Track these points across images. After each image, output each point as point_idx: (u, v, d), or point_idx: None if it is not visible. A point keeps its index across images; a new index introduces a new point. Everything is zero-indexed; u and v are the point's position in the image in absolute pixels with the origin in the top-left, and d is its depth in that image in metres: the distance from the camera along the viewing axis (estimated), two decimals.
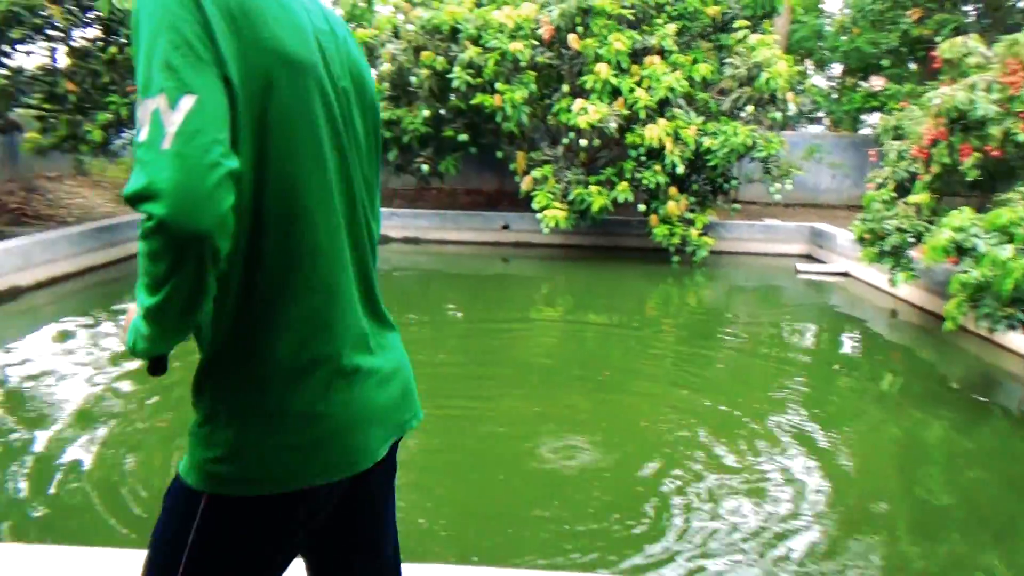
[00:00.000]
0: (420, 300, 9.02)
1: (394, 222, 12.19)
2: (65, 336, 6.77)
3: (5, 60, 8.10)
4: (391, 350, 1.28)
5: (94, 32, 8.51)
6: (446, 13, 10.33)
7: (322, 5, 1.18)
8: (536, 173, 10.18)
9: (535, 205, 9.99)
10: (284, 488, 1.10)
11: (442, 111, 11.07)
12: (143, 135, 0.90)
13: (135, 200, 0.90)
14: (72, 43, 8.45)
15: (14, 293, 7.74)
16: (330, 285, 1.12)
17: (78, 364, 5.88)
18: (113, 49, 8.69)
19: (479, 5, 10.75)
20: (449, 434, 4.68)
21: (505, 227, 12.10)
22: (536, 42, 10.15)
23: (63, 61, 8.28)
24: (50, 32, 7.76)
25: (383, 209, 12.03)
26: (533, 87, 10.05)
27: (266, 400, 1.09)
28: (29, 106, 8.72)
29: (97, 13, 7.80)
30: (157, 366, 1.14)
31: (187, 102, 0.90)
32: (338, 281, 1.14)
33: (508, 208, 12.86)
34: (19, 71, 8.19)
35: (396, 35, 11.19)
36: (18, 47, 8.18)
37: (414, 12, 11.00)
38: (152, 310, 0.97)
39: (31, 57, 8.72)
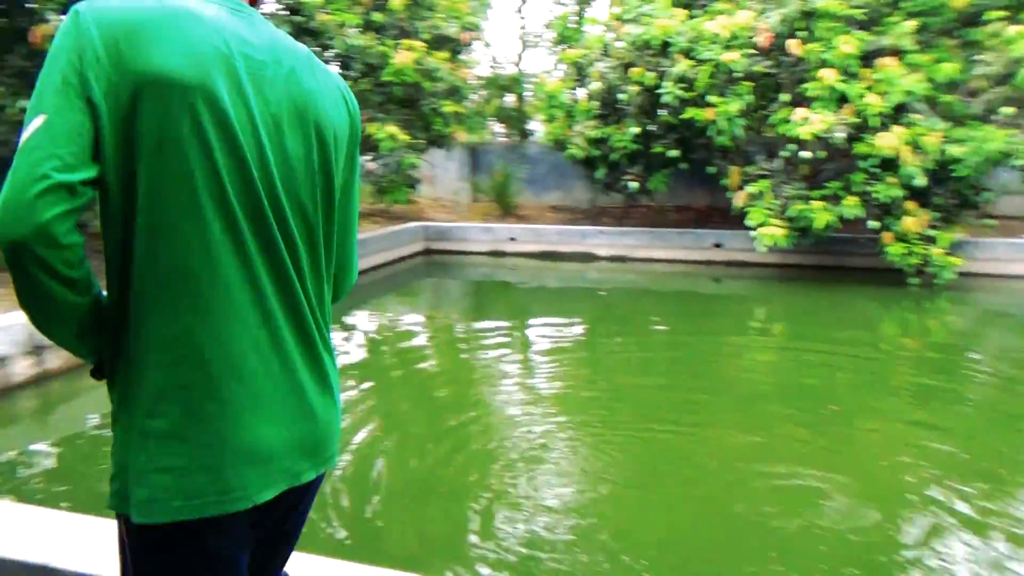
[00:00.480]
0: (626, 319, 8.86)
1: (601, 240, 12.15)
2: None
3: None
4: (305, 392, 1.21)
5: (333, 69, 9.38)
6: (657, 27, 10.15)
7: (273, 36, 1.18)
8: (751, 188, 9.65)
9: (750, 222, 9.45)
10: (172, 516, 1.08)
11: (651, 127, 10.87)
12: None
13: None
14: None
15: None
16: (205, 309, 1.08)
17: None
18: (348, 83, 9.52)
19: (691, 17, 10.45)
20: (652, 465, 4.47)
21: (717, 245, 11.60)
22: (752, 51, 9.65)
23: None
24: None
25: (589, 227, 12.05)
26: (749, 98, 9.55)
27: (135, 419, 1.10)
28: None
29: (336, 50, 8.56)
30: (96, 371, 1.21)
31: (36, 122, 0.98)
32: (220, 306, 1.09)
33: (720, 225, 12.32)
34: None
35: (605, 53, 11.19)
36: None
37: (624, 29, 10.94)
38: (32, 321, 1.10)
39: None
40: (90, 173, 1.02)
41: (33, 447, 4.84)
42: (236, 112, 1.09)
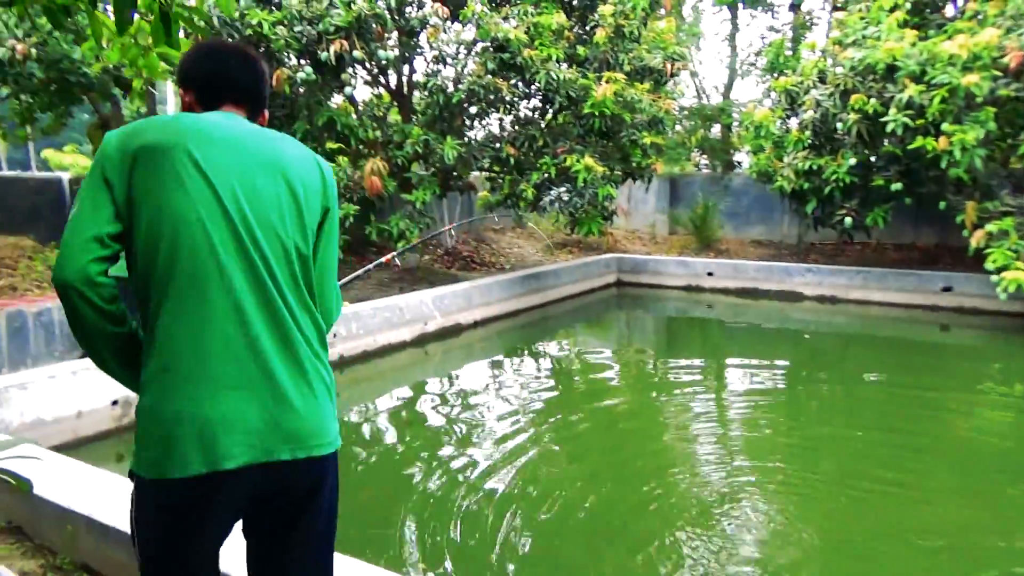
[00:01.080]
0: (833, 365, 8.10)
1: (808, 278, 11.29)
2: (495, 367, 7.61)
3: (467, 132, 9.58)
4: (278, 381, 1.43)
5: (535, 103, 9.63)
6: (883, 51, 9.32)
7: (253, 126, 1.56)
8: (992, 227, 8.49)
9: (989, 265, 8.31)
10: (165, 473, 1.38)
11: (872, 158, 9.97)
12: None
13: None
14: (517, 113, 9.66)
15: (457, 330, 8.99)
16: (184, 311, 1.39)
17: (503, 394, 6.52)
18: (548, 116, 9.69)
19: (923, 38, 9.49)
20: (860, 529, 3.95)
21: (946, 289, 10.33)
22: (998, 73, 8.54)
23: (508, 129, 9.49)
24: (500, 105, 8.96)
25: (795, 264, 11.26)
26: (991, 125, 8.45)
27: (141, 399, 1.44)
28: (483, 169, 10.19)
29: (538, 85, 8.77)
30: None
31: (76, 206, 1.42)
32: (197, 308, 1.39)
33: (950, 267, 10.98)
34: (472, 140, 9.62)
35: (821, 80, 10.47)
36: (477, 121, 9.63)
37: (844, 53, 10.18)
38: (86, 353, 1.48)
39: (484, 128, 10.18)
40: (113, 228, 1.41)
41: None
42: (208, 161, 1.43)
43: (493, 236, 16.31)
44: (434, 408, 6.46)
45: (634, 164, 9.77)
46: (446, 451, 5.26)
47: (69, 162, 11.24)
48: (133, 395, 4.84)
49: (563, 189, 8.32)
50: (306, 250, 1.53)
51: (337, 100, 10.27)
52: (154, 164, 1.41)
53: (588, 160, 8.19)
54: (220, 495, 1.43)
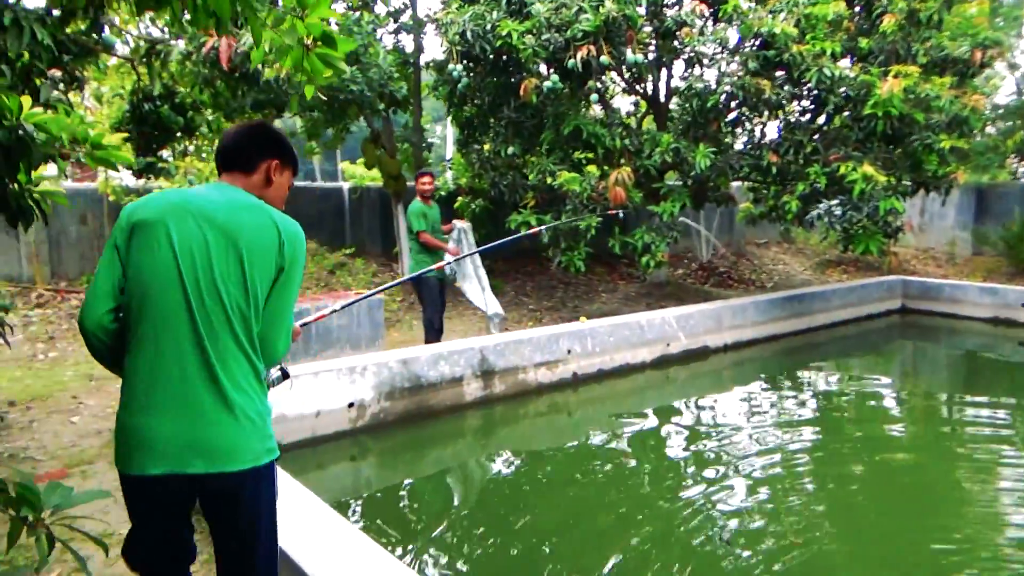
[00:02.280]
0: None
1: None
2: (746, 398, 6.82)
3: (724, 139, 8.80)
4: (203, 408, 1.83)
5: (804, 104, 8.56)
6: None
7: (232, 197, 1.95)
8: None
9: None
10: (121, 469, 1.88)
11: None
12: None
13: None
14: (785, 117, 8.67)
15: (704, 353, 8.26)
16: (142, 351, 1.85)
17: (754, 429, 5.75)
18: (820, 120, 8.56)
19: None
20: None
21: None
22: None
23: (771, 135, 8.55)
24: (763, 108, 8.07)
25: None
26: None
27: (121, 411, 1.92)
28: (744, 179, 9.32)
29: (809, 85, 7.76)
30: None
31: (99, 264, 1.92)
32: (152, 349, 1.84)
33: None
34: (729, 147, 8.79)
35: None
36: (737, 127, 8.80)
37: None
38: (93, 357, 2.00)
39: (744, 135, 9.29)
40: (116, 290, 1.88)
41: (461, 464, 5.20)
42: (178, 234, 1.84)
43: (755, 251, 15.09)
44: (670, 438, 5.89)
45: (928, 173, 8.27)
46: (677, 487, 4.69)
47: (359, 174, 12.34)
48: (369, 398, 4.69)
49: (835, 202, 7.24)
50: (246, 309, 1.89)
51: (596, 109, 10.08)
52: (141, 235, 1.86)
53: (867, 168, 7.03)
54: (154, 492, 1.86)
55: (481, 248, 5.63)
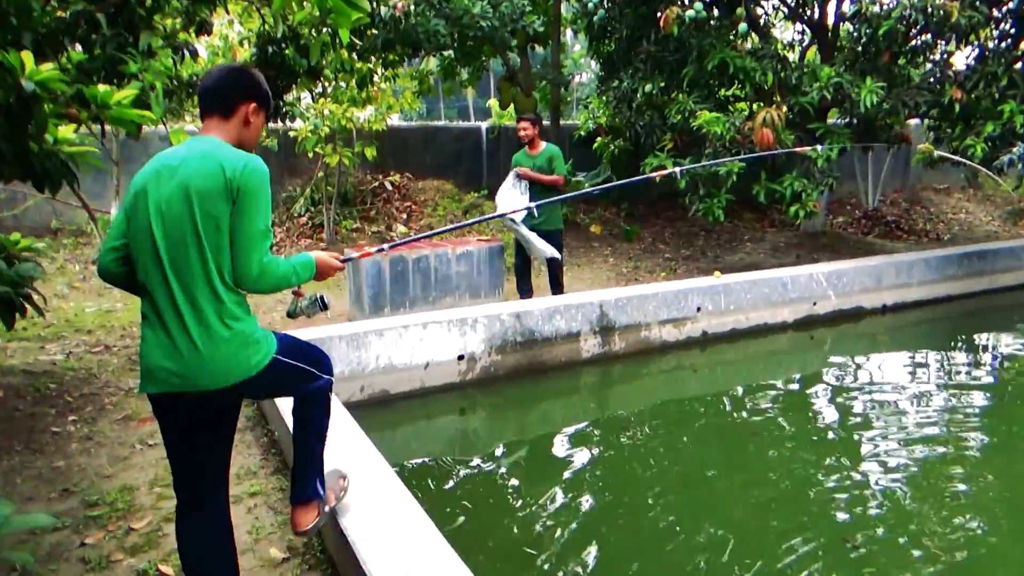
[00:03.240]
0: None
1: None
2: (904, 368, 6.03)
3: (896, 70, 7.66)
4: (175, 342, 2.13)
5: (1001, 30, 7.21)
6: None
7: (195, 150, 2.18)
8: None
9: None
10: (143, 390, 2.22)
11: None
12: None
13: None
14: (978, 44, 7.39)
15: (857, 314, 7.43)
16: (151, 295, 2.16)
17: (909, 405, 5.06)
18: (1022, 48, 7.23)
19: None
20: None
21: None
22: None
23: (958, 65, 7.32)
24: (950, 35, 6.88)
25: None
26: None
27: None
28: (923, 116, 8.14)
29: (1010, 7, 6.52)
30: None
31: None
32: (155, 294, 2.15)
33: None
34: (905, 81, 7.63)
35: None
36: (915, 57, 7.62)
37: None
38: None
39: (923, 66, 8.05)
40: (122, 239, 2.23)
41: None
42: (153, 195, 2.15)
43: (933, 197, 13.44)
44: (806, 412, 5.32)
45: None
46: (808, 473, 4.18)
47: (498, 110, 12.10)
48: (479, 351, 4.52)
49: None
50: (206, 248, 2.10)
51: (744, 41, 9.13)
52: (135, 202, 2.17)
53: None
54: (157, 407, 2.25)
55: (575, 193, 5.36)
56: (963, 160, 7.27)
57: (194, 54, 5.30)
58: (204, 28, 5.30)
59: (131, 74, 3.17)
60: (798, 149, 6.24)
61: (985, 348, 6.87)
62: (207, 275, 2.12)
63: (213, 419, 2.28)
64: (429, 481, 4.19)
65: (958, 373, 6.13)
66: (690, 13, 6.76)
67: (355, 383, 5.01)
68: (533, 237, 6.02)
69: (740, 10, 6.83)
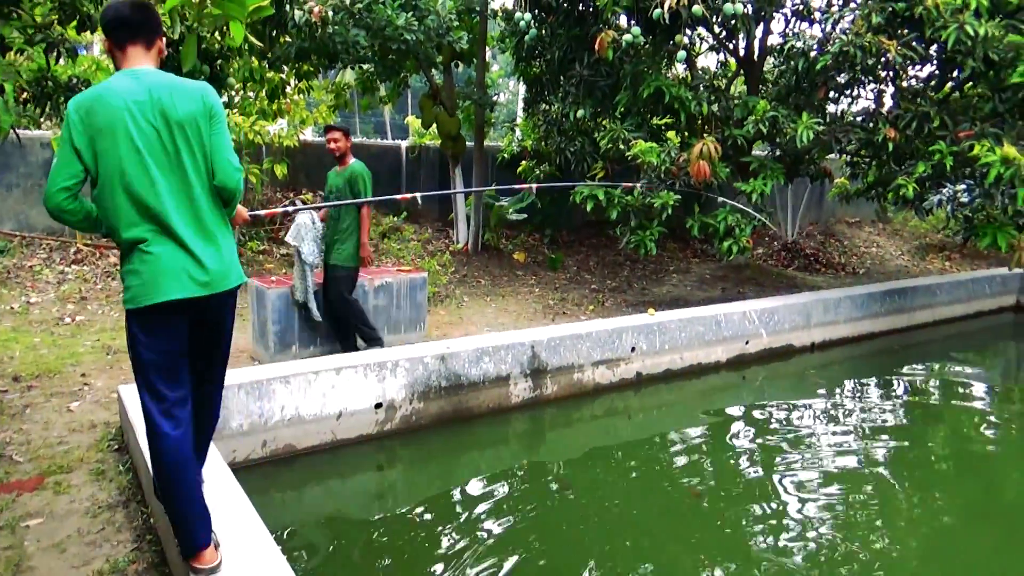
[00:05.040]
0: None
1: None
2: (833, 407, 5.84)
3: (829, 106, 7.62)
4: (198, 250, 2.40)
5: (929, 70, 7.27)
6: None
7: (152, 81, 2.38)
8: None
9: None
10: (140, 303, 2.35)
11: None
12: None
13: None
14: (902, 83, 7.42)
15: (787, 352, 7.27)
16: (143, 208, 2.34)
17: (838, 445, 4.82)
18: (947, 88, 7.29)
19: None
20: None
21: None
22: None
23: (887, 104, 7.32)
24: (881, 73, 6.86)
25: None
26: None
27: (126, 262, 2.41)
28: (844, 152, 8.15)
29: (938, 48, 6.53)
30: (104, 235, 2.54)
31: (55, 160, 2.33)
32: (163, 216, 2.35)
33: None
34: (838, 118, 7.59)
35: None
36: (843, 93, 7.60)
37: None
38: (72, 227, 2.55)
39: (852, 103, 8.06)
40: (77, 176, 2.34)
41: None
42: (135, 130, 2.33)
43: (846, 230, 13.74)
44: (741, 451, 5.02)
45: None
46: (743, 513, 3.86)
47: (419, 129, 11.55)
48: (400, 398, 4.92)
49: (963, 187, 6.09)
50: (201, 166, 2.45)
51: (678, 69, 8.97)
52: (91, 137, 2.34)
53: (1008, 149, 5.83)
54: (161, 316, 2.39)
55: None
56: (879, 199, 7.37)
57: (72, 53, 4.57)
58: (87, 24, 4.58)
59: None
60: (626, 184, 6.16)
61: (905, 384, 6.80)
62: (206, 189, 2.46)
63: (223, 317, 2.58)
64: (338, 548, 3.62)
65: (880, 409, 6.00)
66: (627, 38, 6.46)
67: (256, 438, 4.36)
68: (309, 279, 5.48)
69: (679, 37, 6.57)
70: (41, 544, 3.05)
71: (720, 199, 7.17)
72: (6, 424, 4.29)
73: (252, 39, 5.15)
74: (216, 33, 5.47)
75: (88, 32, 4.81)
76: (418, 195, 5.26)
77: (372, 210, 10.11)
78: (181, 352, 2.45)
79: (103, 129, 2.29)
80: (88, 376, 5.19)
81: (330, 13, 5.64)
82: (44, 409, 4.54)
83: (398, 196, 5.60)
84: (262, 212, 4.19)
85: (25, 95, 5.18)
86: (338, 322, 5.69)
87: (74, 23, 4.59)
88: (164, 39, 2.50)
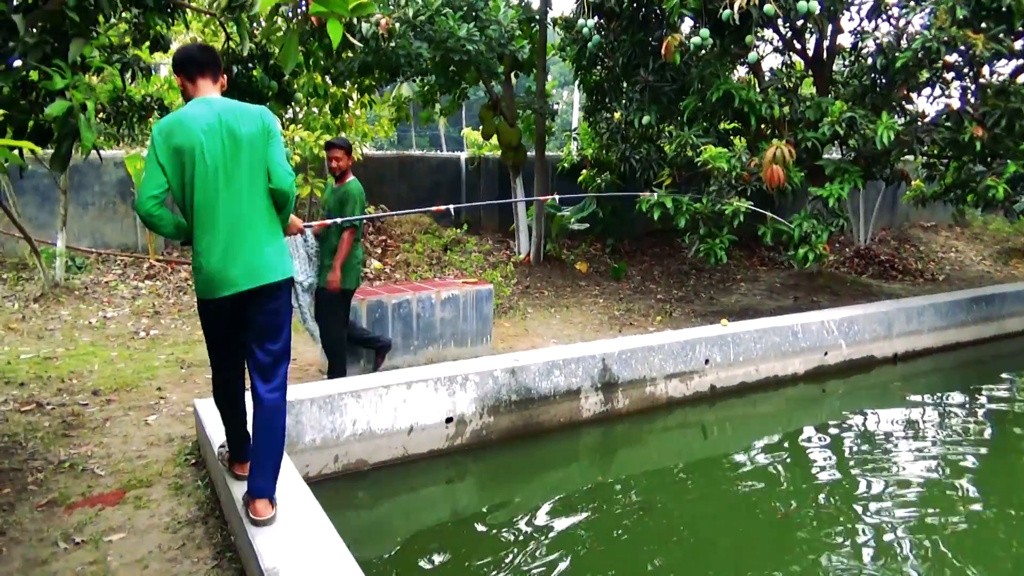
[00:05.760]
0: None
1: None
2: (919, 422, 5.53)
3: (907, 106, 7.28)
4: (252, 250, 2.88)
5: (1015, 65, 6.88)
6: None
7: (221, 107, 2.87)
8: None
9: None
10: (203, 296, 2.93)
11: None
12: None
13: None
14: (986, 79, 7.05)
15: (868, 364, 6.94)
16: (216, 222, 2.83)
17: (924, 463, 4.53)
18: None
19: None
20: None
21: None
22: None
23: (973, 102, 6.94)
24: (964, 69, 6.51)
25: None
26: None
27: (194, 262, 2.91)
28: (937, 155, 7.78)
29: (1015, 44, 6.17)
30: (185, 243, 3.04)
31: (144, 173, 2.85)
32: (220, 219, 2.83)
33: None
34: (918, 117, 7.25)
35: None
36: (924, 91, 7.27)
37: None
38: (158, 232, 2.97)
39: (932, 101, 7.70)
40: (162, 187, 2.79)
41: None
42: (209, 149, 2.80)
43: (921, 235, 13.17)
44: (821, 469, 4.78)
45: None
46: (821, 533, 3.64)
47: (480, 142, 11.54)
48: (470, 413, 4.84)
49: None
50: (258, 176, 2.92)
51: (740, 72, 8.72)
52: (177, 153, 2.80)
53: None
54: (221, 310, 2.95)
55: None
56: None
57: (147, 72, 4.66)
58: (160, 44, 4.66)
59: (57, 91, 2.53)
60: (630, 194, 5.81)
61: (1000, 401, 6.41)
62: (262, 197, 2.93)
63: (275, 301, 2.97)
64: (409, 563, 3.54)
65: (975, 429, 5.64)
66: (696, 40, 6.29)
67: (328, 452, 4.33)
68: (301, 299, 4.98)
69: (750, 38, 6.36)
70: (124, 560, 3.05)
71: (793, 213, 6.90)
72: (87, 437, 4.35)
73: (318, 52, 5.18)
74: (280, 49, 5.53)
75: (161, 52, 4.90)
76: (451, 207, 5.17)
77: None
78: (234, 336, 3.02)
79: (182, 148, 2.76)
80: (164, 390, 5.26)
81: (397, 26, 5.63)
82: (123, 423, 4.60)
83: (432, 208, 5.43)
84: (314, 223, 4.66)
85: (102, 114, 5.32)
86: (326, 348, 5.24)
87: (147, 44, 4.68)
88: (224, 76, 3.06)
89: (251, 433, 3.04)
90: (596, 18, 7.03)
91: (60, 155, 2.71)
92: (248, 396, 3.11)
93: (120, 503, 3.56)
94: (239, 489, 3.09)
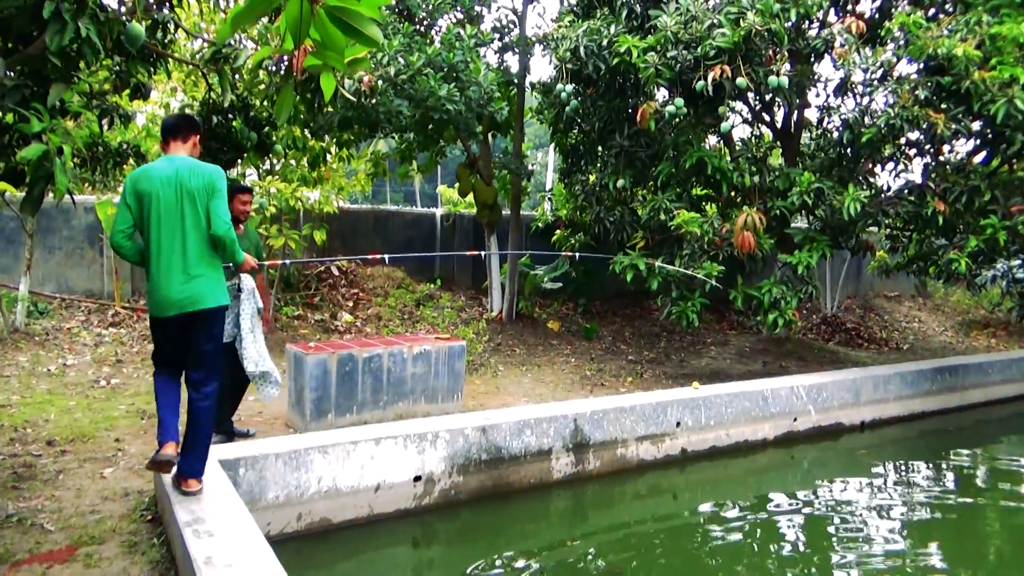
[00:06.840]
0: None
1: None
2: (884, 489, 5.53)
3: (871, 179, 7.52)
4: (183, 280, 3.51)
5: (973, 144, 7.18)
6: None
7: (179, 164, 3.57)
8: None
9: None
10: (151, 314, 3.69)
11: None
12: None
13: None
14: (945, 157, 7.33)
15: (836, 431, 6.98)
16: (160, 254, 3.51)
17: (892, 531, 4.51)
18: (995, 161, 7.17)
19: None
20: None
21: None
22: None
23: (933, 177, 7.20)
24: (926, 146, 6.78)
25: None
26: None
27: (147, 285, 3.71)
28: (900, 228, 8.01)
29: (984, 123, 6.45)
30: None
31: (116, 212, 3.62)
32: (163, 253, 3.51)
33: None
34: (882, 191, 7.48)
35: None
36: (887, 165, 7.52)
37: None
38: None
39: (895, 176, 7.97)
40: (129, 223, 3.56)
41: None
42: (163, 196, 3.51)
43: (885, 304, 13.45)
44: (790, 535, 4.73)
45: None
46: None
47: (455, 199, 11.64)
48: (439, 471, 4.78)
49: (1018, 262, 5.90)
50: (201, 220, 3.55)
51: (712, 141, 8.96)
52: (137, 197, 3.50)
53: None
54: (162, 326, 3.61)
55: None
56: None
57: (126, 119, 4.65)
58: (140, 92, 4.66)
59: (33, 134, 2.50)
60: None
61: (961, 468, 6.46)
62: (201, 238, 3.52)
63: (205, 327, 3.61)
64: None
65: (940, 499, 5.67)
66: (670, 109, 6.48)
67: (291, 510, 4.20)
68: (255, 343, 4.88)
69: (723, 108, 6.56)
70: None
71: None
72: (39, 490, 4.17)
73: (300, 105, 5.22)
74: (264, 102, 5.57)
75: (141, 99, 4.90)
76: (386, 256, 6.46)
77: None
78: (174, 348, 3.65)
79: (144, 193, 3.47)
80: (122, 441, 5.09)
81: (379, 83, 5.72)
82: (77, 475, 4.42)
83: (369, 256, 6.61)
84: (266, 263, 5.10)
85: (76, 159, 5.27)
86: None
87: (127, 91, 4.68)
88: (198, 135, 3.76)
89: (186, 426, 3.65)
90: (574, 84, 7.22)
91: (32, 198, 2.68)
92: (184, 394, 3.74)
93: (70, 560, 3.39)
94: (197, 548, 2.97)
